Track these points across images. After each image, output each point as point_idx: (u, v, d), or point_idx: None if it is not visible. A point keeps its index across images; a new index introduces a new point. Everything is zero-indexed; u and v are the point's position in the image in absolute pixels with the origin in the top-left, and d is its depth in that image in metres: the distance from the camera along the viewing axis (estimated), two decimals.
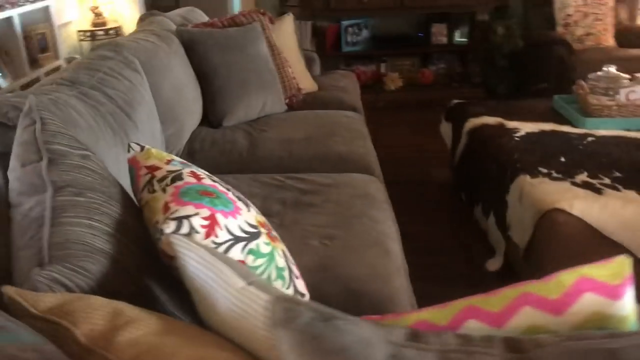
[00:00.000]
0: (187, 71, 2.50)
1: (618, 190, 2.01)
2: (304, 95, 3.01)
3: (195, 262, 0.82)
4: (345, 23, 4.80)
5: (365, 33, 4.91)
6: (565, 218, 1.93)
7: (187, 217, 0.96)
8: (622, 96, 2.62)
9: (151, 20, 2.78)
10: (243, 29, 2.75)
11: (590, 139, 2.49)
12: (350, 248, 1.56)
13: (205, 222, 0.97)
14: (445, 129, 3.17)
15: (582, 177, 2.12)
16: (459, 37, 4.84)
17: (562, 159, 2.28)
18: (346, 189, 1.93)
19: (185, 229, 0.95)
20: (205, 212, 0.98)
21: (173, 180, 1.05)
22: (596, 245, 1.87)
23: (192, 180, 1.07)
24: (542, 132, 2.57)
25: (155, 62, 2.19)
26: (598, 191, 2.01)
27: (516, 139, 2.53)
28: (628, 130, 2.55)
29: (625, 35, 4.38)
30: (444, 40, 4.84)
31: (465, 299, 0.76)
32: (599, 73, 2.79)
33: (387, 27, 4.99)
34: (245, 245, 1.02)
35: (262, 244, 1.06)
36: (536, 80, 4.35)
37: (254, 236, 1.05)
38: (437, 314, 0.75)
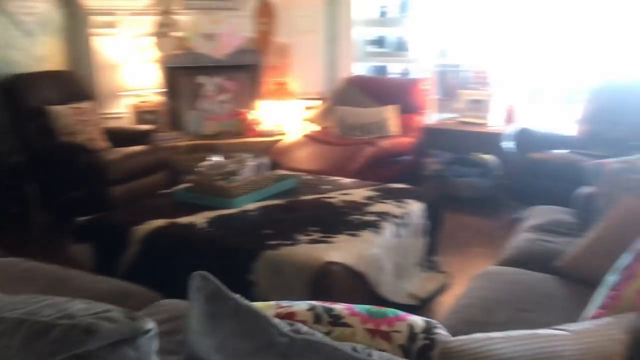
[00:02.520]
0: None
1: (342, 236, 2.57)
2: None
3: None
4: None
5: None
6: (337, 267, 2.35)
7: None
8: (246, 173, 3.16)
9: None
10: None
11: (253, 213, 2.92)
12: None
13: None
14: (82, 250, 2.87)
15: (309, 237, 2.56)
16: None
17: (269, 231, 2.63)
18: None
19: None
20: None
21: None
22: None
23: None
24: (228, 216, 2.82)
25: None
26: (332, 242, 2.51)
27: (206, 229, 2.69)
28: (268, 199, 3.11)
29: (114, 135, 4.82)
30: None
31: None
32: (209, 164, 3.23)
33: None
34: None
35: None
36: (64, 190, 4.27)
37: None
38: None
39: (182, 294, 1.21)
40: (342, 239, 2.56)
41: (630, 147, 3.45)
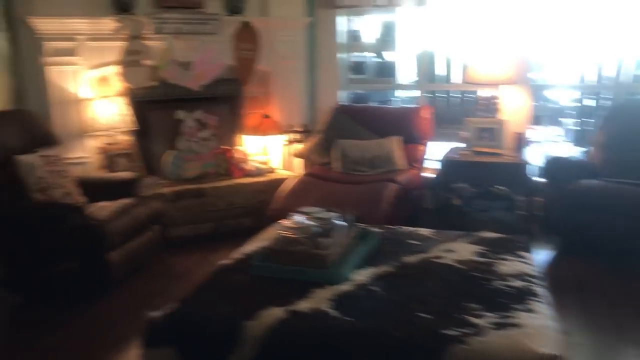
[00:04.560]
0: None
1: None
2: None
3: None
4: None
5: None
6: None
7: None
8: (339, 235, 2.59)
9: None
10: None
11: (374, 287, 2.38)
12: None
13: None
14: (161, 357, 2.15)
15: (482, 319, 2.09)
16: None
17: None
18: None
19: None
20: None
21: None
22: None
23: None
24: (349, 294, 2.25)
25: None
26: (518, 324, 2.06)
27: (342, 318, 2.11)
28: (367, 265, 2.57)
29: (89, 187, 3.96)
30: None
31: None
32: (292, 224, 2.63)
33: None
34: None
35: None
36: (56, 260, 3.39)
37: None
38: None
39: None
40: (522, 317, 2.10)
41: None
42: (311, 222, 2.66)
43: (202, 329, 2.16)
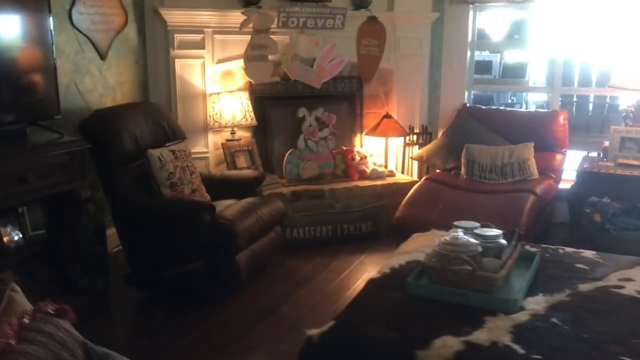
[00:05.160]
0: None
1: None
2: None
3: None
4: None
5: None
6: None
7: None
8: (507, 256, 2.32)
9: None
10: None
11: (555, 320, 2.08)
12: None
13: None
14: None
15: None
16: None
17: None
18: None
19: None
20: None
21: None
22: None
23: None
24: (525, 326, 1.97)
25: None
26: None
27: (528, 356, 1.84)
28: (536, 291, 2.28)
29: (212, 184, 3.87)
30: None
31: None
32: (450, 239, 2.37)
33: None
34: None
35: None
36: (186, 259, 3.31)
37: None
38: None
39: None
40: None
41: None
42: (472, 239, 2.40)
43: (366, 353, 1.95)
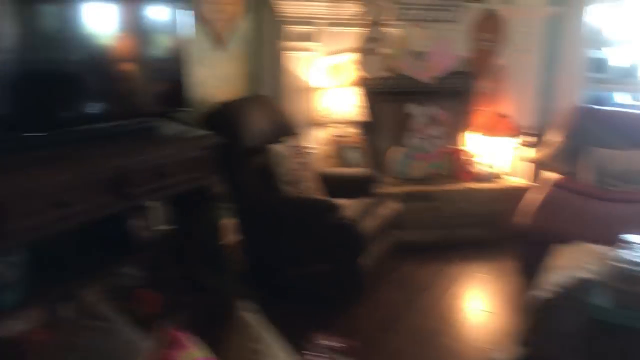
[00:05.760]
0: None
1: None
2: None
3: None
4: None
5: None
6: None
7: None
8: None
9: None
10: None
11: None
12: None
13: None
14: None
15: None
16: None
17: None
18: None
19: None
20: None
21: None
22: None
23: None
24: None
25: None
26: None
27: None
28: None
29: (326, 182, 3.72)
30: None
31: None
32: (628, 255, 2.13)
33: None
34: None
35: None
36: (308, 259, 3.17)
37: None
38: None
39: None
40: None
41: None
42: None
43: None
